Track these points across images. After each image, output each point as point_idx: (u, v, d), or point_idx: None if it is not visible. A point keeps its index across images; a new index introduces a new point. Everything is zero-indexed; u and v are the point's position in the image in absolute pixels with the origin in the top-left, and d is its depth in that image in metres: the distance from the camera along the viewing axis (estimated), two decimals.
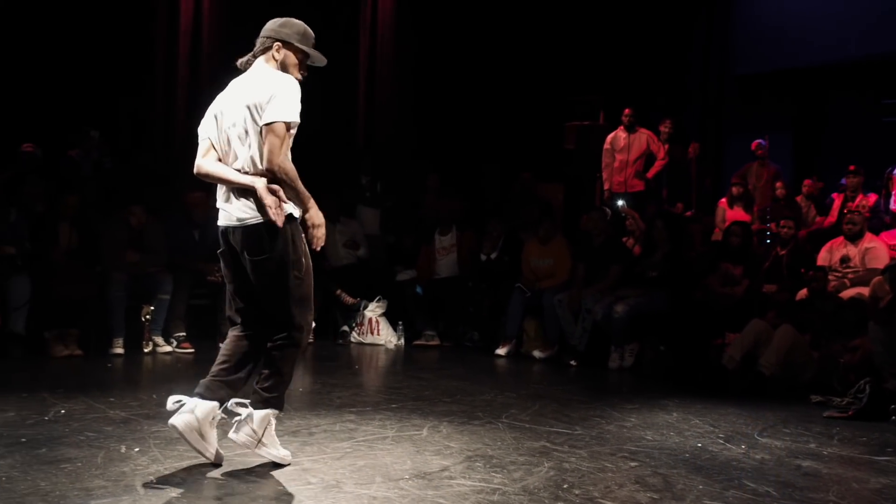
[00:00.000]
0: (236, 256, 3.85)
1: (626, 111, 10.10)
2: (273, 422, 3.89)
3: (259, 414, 3.82)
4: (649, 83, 11.78)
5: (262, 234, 3.73)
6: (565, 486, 3.74)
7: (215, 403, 3.78)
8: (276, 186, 3.70)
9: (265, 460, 3.90)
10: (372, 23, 11.61)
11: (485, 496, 3.56)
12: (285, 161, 3.71)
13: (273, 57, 3.85)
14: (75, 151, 8.97)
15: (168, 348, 7.31)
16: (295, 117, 3.71)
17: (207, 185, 8.77)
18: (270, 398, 3.84)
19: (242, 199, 3.76)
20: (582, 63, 11.58)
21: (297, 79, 3.83)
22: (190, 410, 3.73)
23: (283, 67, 3.84)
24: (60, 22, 9.67)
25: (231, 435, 3.83)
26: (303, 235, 3.84)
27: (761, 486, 3.89)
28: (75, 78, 9.68)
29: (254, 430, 3.81)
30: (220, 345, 7.37)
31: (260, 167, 3.72)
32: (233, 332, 3.96)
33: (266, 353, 3.87)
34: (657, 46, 11.95)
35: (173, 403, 3.79)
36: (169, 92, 10.39)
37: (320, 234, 3.83)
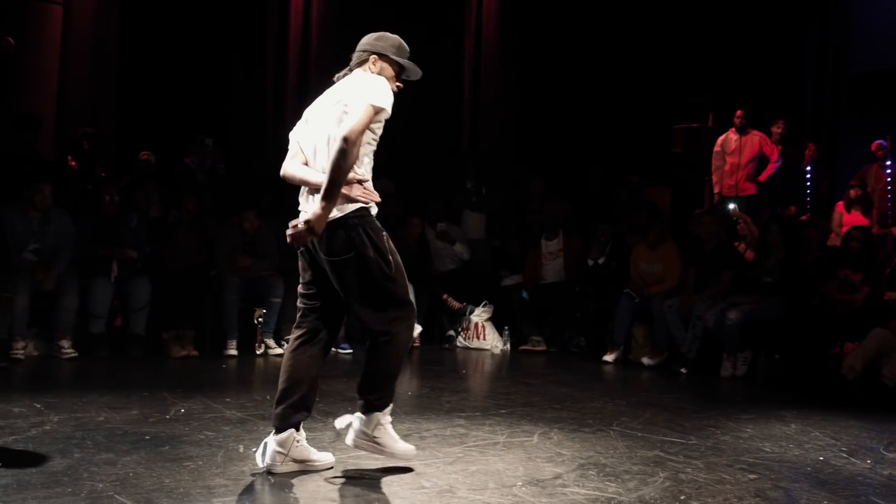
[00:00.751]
0: (314, 256, 3.83)
1: (739, 112, 9.85)
2: (384, 421, 3.88)
3: (365, 418, 3.86)
4: (761, 83, 11.46)
5: (336, 233, 3.67)
6: (682, 498, 3.65)
7: (291, 430, 3.80)
8: (351, 176, 3.66)
9: (379, 462, 3.95)
10: (476, 27, 11.65)
11: None
12: (358, 140, 3.56)
13: (369, 69, 3.86)
14: (190, 159, 9.27)
15: (279, 350, 7.46)
16: (380, 102, 3.64)
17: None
18: (372, 401, 3.84)
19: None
20: (691, 63, 11.35)
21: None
22: (272, 449, 3.78)
23: (387, 79, 3.83)
24: (174, 34, 10.02)
25: (347, 441, 3.90)
26: (384, 234, 3.77)
27: None
28: (189, 87, 10.02)
29: (364, 433, 3.85)
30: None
31: None
32: (294, 340, 3.89)
33: (366, 355, 3.87)
34: (769, 45, 11.63)
35: (260, 456, 3.85)
36: (278, 99, 10.64)
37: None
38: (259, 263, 7.60)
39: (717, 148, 10.05)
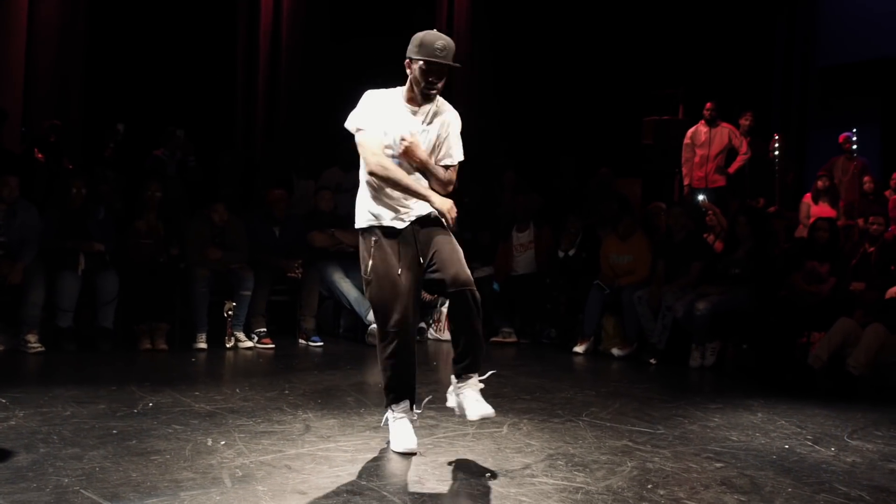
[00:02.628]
0: None
1: (708, 105, 9.92)
2: (388, 415, 4.19)
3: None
4: (730, 76, 11.55)
5: None
6: (650, 487, 3.68)
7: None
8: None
9: (348, 454, 4.01)
10: (448, 20, 11.64)
11: (568, 495, 3.53)
12: (378, 165, 3.93)
13: (407, 75, 4.02)
14: (161, 151, 9.19)
15: (249, 344, 7.42)
16: (349, 124, 4.01)
17: (288, 183, 8.89)
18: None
19: None
20: (661, 56, 11.42)
21: (425, 88, 3.95)
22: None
23: (415, 81, 3.98)
24: (143, 24, 9.93)
25: None
26: (373, 239, 4.03)
27: (853, 491, 3.77)
28: (159, 78, 9.94)
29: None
30: (301, 341, 7.60)
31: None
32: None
33: None
34: (739, 38, 11.72)
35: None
36: (249, 92, 10.58)
37: (451, 214, 4.00)
38: (229, 256, 7.54)
39: (686, 140, 10.12)
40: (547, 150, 11.13)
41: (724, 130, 9.93)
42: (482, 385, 4.06)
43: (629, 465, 4.02)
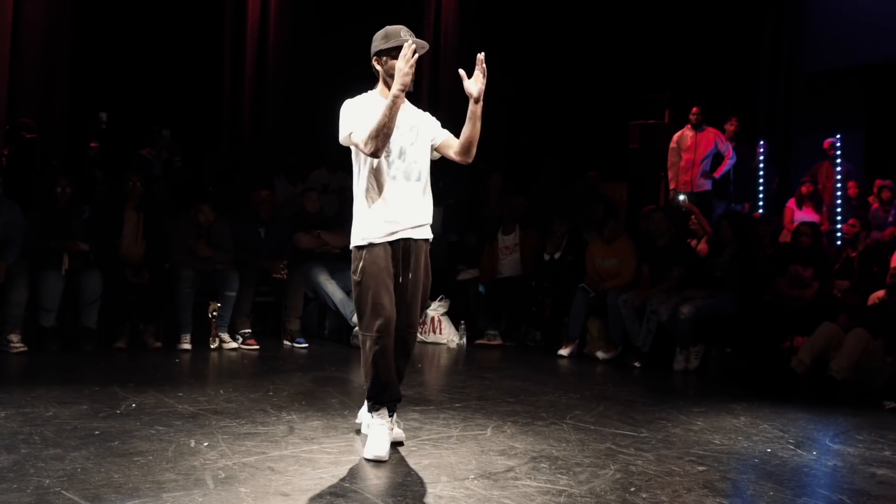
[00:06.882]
0: None
1: (694, 109, 9.97)
2: (369, 421, 4.17)
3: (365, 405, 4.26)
4: (716, 81, 11.61)
5: None
6: (632, 490, 3.70)
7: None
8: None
9: (332, 455, 4.00)
10: (435, 21, 11.64)
11: (551, 498, 3.54)
12: (367, 139, 3.88)
13: (379, 75, 4.10)
14: (147, 150, 9.15)
15: (234, 344, 7.39)
16: (342, 137, 4.01)
17: (272, 184, 8.86)
18: (366, 389, 4.18)
19: None
20: (647, 60, 11.46)
21: (405, 78, 3.81)
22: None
23: (389, 75, 3.98)
24: (129, 22, 9.89)
25: None
26: (363, 259, 4.04)
27: (834, 494, 3.80)
28: (145, 77, 9.90)
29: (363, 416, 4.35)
30: (286, 342, 7.58)
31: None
32: None
33: None
34: (725, 43, 11.78)
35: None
36: (236, 92, 10.54)
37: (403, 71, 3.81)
38: (214, 256, 7.51)
39: (672, 144, 10.17)
40: (533, 154, 11.14)
41: (709, 135, 9.98)
42: (389, 422, 4.15)
43: (612, 467, 4.03)
